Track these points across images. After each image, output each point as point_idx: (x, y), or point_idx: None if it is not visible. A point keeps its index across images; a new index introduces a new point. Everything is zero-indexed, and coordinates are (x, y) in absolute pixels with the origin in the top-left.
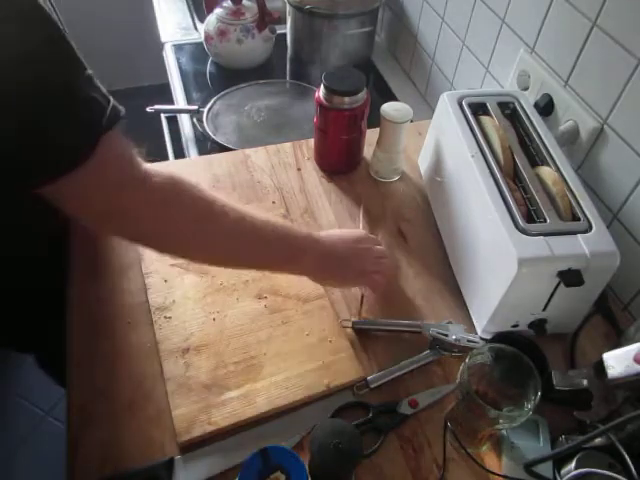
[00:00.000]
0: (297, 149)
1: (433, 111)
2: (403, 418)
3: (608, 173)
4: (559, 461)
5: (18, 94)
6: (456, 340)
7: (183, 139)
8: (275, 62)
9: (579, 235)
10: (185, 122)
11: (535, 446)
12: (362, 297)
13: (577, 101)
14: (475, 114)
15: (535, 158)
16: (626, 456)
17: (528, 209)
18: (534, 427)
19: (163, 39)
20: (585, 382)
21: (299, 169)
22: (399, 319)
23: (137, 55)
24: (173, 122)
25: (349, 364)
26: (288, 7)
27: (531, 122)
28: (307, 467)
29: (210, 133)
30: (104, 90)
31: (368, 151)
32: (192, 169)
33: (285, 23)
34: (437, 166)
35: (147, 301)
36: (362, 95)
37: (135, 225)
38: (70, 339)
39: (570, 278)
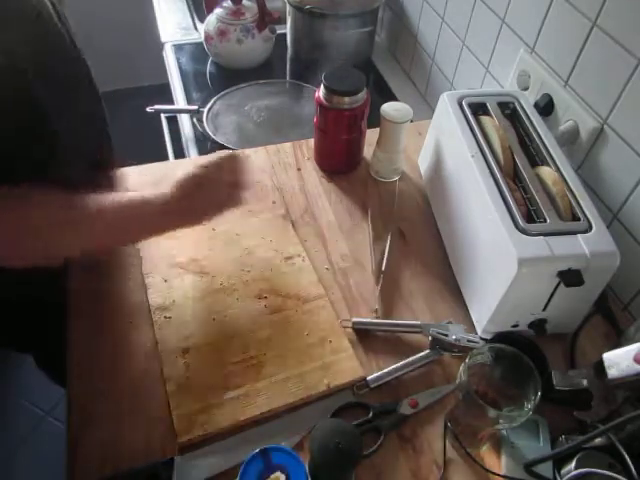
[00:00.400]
0: (297, 149)
1: (433, 111)
2: (403, 418)
3: (608, 173)
4: (559, 461)
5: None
6: (456, 340)
7: (183, 139)
8: (275, 62)
9: (579, 235)
10: (185, 122)
11: (535, 446)
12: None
13: (577, 101)
14: (475, 114)
15: (535, 158)
16: (626, 456)
17: (528, 209)
18: (534, 427)
19: (163, 39)
20: (585, 382)
21: (299, 169)
22: (399, 319)
23: (137, 55)
24: (173, 122)
25: (349, 364)
26: (288, 7)
27: (531, 122)
28: (307, 467)
29: (210, 133)
30: None
31: (368, 151)
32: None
33: (285, 23)
34: (437, 166)
35: (147, 301)
36: (362, 95)
37: None
38: (70, 339)
39: (570, 278)
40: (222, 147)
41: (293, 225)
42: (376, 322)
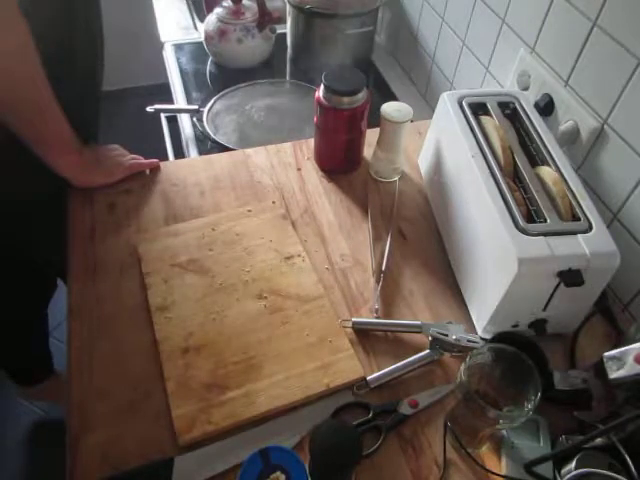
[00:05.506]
0: (297, 149)
1: (433, 111)
2: (403, 418)
3: (608, 173)
4: (559, 461)
5: None
6: (456, 340)
7: (183, 139)
8: (275, 62)
9: (579, 235)
10: (185, 122)
11: (535, 446)
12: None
13: (577, 101)
14: (475, 114)
15: (535, 158)
16: (626, 456)
17: (528, 209)
18: (534, 427)
19: (163, 39)
20: (585, 382)
21: (299, 169)
22: (399, 319)
23: (137, 55)
24: (173, 122)
25: (349, 364)
26: (288, 7)
27: (531, 122)
28: (307, 467)
29: (210, 133)
30: None
31: (368, 151)
32: (192, 169)
33: (285, 23)
34: (437, 166)
35: (147, 301)
36: (362, 95)
37: None
38: (70, 339)
39: (570, 278)
40: (222, 147)
41: (293, 225)
42: (376, 322)
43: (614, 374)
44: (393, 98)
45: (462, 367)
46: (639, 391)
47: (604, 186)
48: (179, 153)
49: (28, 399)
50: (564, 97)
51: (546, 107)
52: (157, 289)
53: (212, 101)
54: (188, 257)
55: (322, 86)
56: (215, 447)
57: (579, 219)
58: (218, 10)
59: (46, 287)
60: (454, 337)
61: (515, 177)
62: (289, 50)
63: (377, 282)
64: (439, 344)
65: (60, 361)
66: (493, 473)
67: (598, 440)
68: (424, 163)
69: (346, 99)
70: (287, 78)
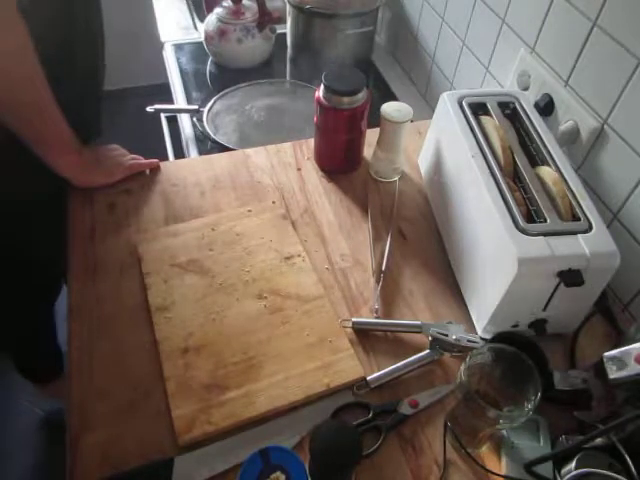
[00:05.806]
0: (297, 149)
1: (433, 111)
2: (403, 418)
3: (608, 173)
4: (559, 461)
5: None
6: (456, 340)
7: (183, 139)
8: (275, 62)
9: (579, 235)
10: (185, 122)
11: (535, 446)
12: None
13: (577, 101)
14: (475, 114)
15: (535, 158)
16: (626, 456)
17: (528, 209)
18: (534, 427)
19: (163, 39)
20: (585, 382)
21: (299, 169)
22: (399, 319)
23: (137, 54)
24: (173, 122)
25: (349, 364)
26: (288, 7)
27: (531, 122)
28: (307, 467)
29: (210, 133)
30: None
31: (368, 151)
32: (192, 169)
33: (285, 23)
34: (437, 166)
35: (147, 301)
36: (362, 95)
37: None
38: (70, 339)
39: (570, 278)
40: (222, 147)
41: (293, 225)
42: (376, 322)
43: (614, 374)
44: (393, 98)
45: (462, 367)
46: (639, 391)
47: (604, 186)
48: (179, 153)
49: (42, 397)
50: (564, 97)
51: (546, 107)
52: (157, 289)
53: (212, 101)
54: (188, 257)
55: (322, 86)
56: (215, 447)
57: (579, 219)
58: (218, 10)
59: (48, 287)
60: (454, 337)
61: (515, 177)
62: (289, 50)
63: (377, 282)
64: (439, 344)
65: None
66: (493, 473)
67: (598, 440)
68: (424, 163)
69: (346, 99)
70: (287, 78)
